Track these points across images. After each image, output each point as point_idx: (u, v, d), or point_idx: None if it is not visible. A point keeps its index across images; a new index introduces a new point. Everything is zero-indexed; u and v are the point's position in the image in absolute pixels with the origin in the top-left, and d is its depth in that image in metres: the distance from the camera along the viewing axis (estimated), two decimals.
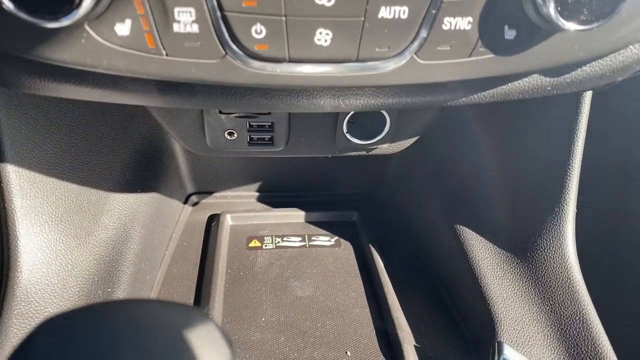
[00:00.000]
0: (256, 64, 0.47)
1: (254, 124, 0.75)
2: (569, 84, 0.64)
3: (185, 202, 1.13)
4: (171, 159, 1.04)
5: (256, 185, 1.15)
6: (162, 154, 1.00)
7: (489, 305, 0.76)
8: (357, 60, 0.48)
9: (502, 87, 0.61)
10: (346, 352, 0.77)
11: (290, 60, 0.47)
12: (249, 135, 0.76)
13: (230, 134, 0.75)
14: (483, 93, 0.61)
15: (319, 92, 0.57)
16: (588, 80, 0.63)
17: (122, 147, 0.87)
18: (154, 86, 0.54)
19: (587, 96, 0.76)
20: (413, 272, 0.95)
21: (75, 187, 0.74)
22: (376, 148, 0.82)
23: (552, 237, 0.78)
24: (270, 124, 0.75)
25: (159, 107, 0.73)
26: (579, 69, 0.61)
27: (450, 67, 0.50)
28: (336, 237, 1.03)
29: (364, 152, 0.83)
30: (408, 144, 0.83)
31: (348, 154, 0.83)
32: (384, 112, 0.76)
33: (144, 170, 0.92)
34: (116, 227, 0.81)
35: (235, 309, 0.84)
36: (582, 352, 0.69)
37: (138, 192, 0.89)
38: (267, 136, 0.77)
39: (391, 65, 0.48)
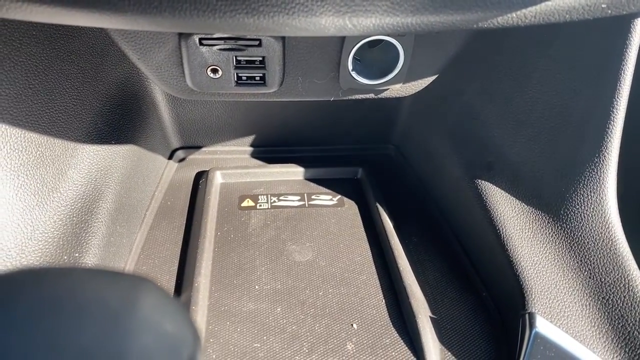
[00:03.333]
0: None
1: (241, 58, 0.63)
2: (630, 0, 0.52)
3: (170, 157, 1.02)
4: (152, 109, 0.92)
5: (249, 140, 1.03)
6: (142, 103, 0.88)
7: (516, 271, 0.66)
8: None
9: (547, 3, 0.49)
10: (352, 325, 0.67)
11: None
12: (237, 74, 0.64)
13: (214, 71, 0.63)
14: (523, 11, 0.49)
15: (320, 7, 0.45)
16: None
17: (92, 92, 0.75)
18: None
19: (638, 27, 0.64)
20: (426, 234, 0.85)
21: (35, 135, 0.63)
22: (387, 89, 0.70)
23: (590, 191, 0.67)
24: (261, 59, 0.63)
25: (128, 40, 0.61)
26: None
27: None
28: (339, 196, 0.93)
29: (372, 95, 0.71)
30: (424, 85, 0.71)
31: (353, 96, 0.71)
32: (397, 45, 0.64)
33: (119, 120, 0.81)
34: (86, 183, 0.70)
35: (225, 276, 0.73)
36: (629, 323, 0.59)
37: (113, 143, 0.77)
38: (257, 74, 0.65)
39: None
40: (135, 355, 0.23)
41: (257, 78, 0.65)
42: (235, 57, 0.63)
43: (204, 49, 0.61)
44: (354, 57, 0.66)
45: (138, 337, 0.23)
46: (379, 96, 0.72)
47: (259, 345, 0.63)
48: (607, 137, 0.66)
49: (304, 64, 0.66)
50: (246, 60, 0.63)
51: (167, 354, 0.24)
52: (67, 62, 0.69)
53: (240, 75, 0.65)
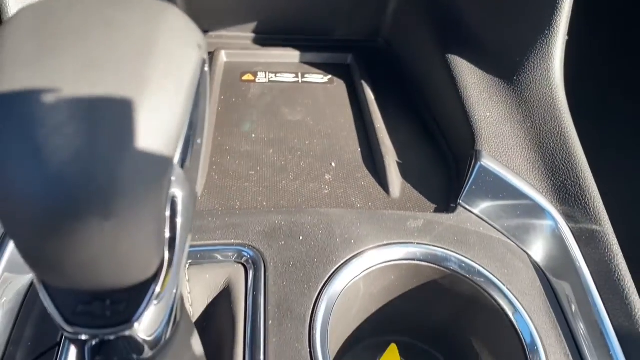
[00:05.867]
0: None
1: None
2: None
3: None
4: None
5: (252, 26, 1.14)
6: None
7: (471, 124, 0.78)
8: None
9: None
10: (331, 163, 0.80)
11: None
12: None
13: None
14: None
15: None
16: None
17: None
18: None
19: None
20: (404, 106, 0.97)
21: None
22: None
23: (540, 59, 0.78)
24: None
25: None
26: None
27: None
28: (330, 76, 1.04)
29: None
30: None
31: None
32: None
33: None
34: None
35: (227, 127, 0.86)
36: (557, 160, 0.71)
37: None
38: None
39: None
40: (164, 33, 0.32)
41: None
42: None
43: None
44: None
45: (167, 22, 0.32)
46: None
47: (253, 172, 0.77)
48: (556, 12, 0.76)
49: None
50: None
51: (186, 34, 0.33)
52: None
53: None
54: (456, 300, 0.66)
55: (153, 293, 0.31)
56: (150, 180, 0.26)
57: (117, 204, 0.24)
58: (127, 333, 0.31)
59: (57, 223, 0.24)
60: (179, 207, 0.30)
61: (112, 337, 0.31)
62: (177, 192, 0.29)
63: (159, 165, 0.27)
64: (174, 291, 0.34)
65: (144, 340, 0.33)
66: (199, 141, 0.34)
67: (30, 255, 0.27)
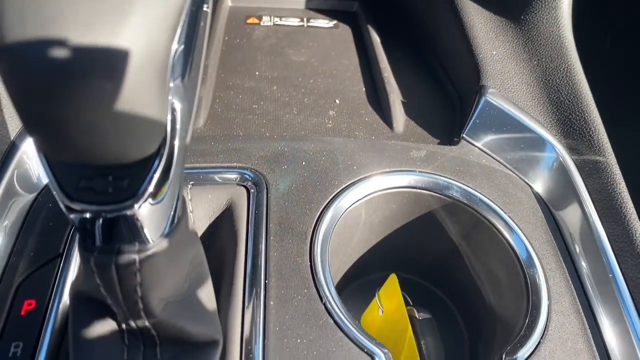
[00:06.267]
0: None
1: None
2: None
3: None
4: None
5: None
6: None
7: (477, 62, 0.77)
8: None
9: None
10: (335, 101, 0.80)
11: None
12: None
13: None
14: None
15: None
16: None
17: None
18: None
19: None
20: (410, 50, 0.96)
21: None
22: None
23: None
24: None
25: None
26: None
27: None
28: (335, 21, 1.03)
29: None
30: None
31: None
32: None
33: None
34: None
35: (230, 65, 0.86)
36: (562, 95, 0.71)
37: None
38: None
39: None
40: None
41: None
42: None
43: None
44: None
45: None
46: None
47: (256, 106, 0.77)
48: None
49: None
50: None
51: None
52: None
53: None
54: (456, 230, 0.66)
55: (155, 172, 0.31)
56: (154, 45, 0.26)
57: (119, 63, 0.25)
58: (129, 212, 0.31)
59: (60, 79, 0.24)
60: (178, 109, 0.31)
61: (114, 215, 0.32)
62: (177, 103, 0.30)
63: (163, 29, 0.27)
64: (176, 181, 0.34)
65: (146, 227, 0.33)
66: (202, 24, 0.34)
67: (34, 120, 0.27)
